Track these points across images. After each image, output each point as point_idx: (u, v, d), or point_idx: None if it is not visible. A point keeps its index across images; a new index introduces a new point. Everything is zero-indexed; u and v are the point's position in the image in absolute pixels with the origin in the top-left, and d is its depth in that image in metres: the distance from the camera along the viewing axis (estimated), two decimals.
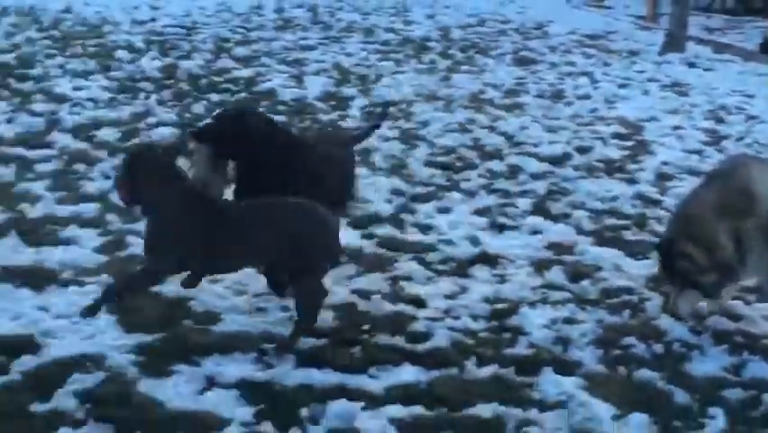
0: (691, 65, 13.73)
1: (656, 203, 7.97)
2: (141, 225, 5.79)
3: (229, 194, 5.81)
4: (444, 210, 7.62)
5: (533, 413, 4.75)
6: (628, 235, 7.26)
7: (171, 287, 5.78)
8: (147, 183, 5.07)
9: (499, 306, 5.97)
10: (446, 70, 12.46)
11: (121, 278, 5.26)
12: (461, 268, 6.53)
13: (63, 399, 4.66)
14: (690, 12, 15.14)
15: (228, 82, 11.29)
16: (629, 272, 6.53)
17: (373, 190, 7.93)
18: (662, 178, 8.64)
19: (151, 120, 9.60)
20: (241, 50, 12.88)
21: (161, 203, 5.09)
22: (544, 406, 4.83)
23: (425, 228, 7.23)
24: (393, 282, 6.24)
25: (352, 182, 6.35)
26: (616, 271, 6.58)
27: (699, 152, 9.48)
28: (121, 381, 4.87)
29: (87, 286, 5.86)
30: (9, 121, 9.29)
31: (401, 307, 5.89)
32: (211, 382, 4.91)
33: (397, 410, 4.72)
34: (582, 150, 9.32)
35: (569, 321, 5.79)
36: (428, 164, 8.71)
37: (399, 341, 5.46)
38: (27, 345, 5.13)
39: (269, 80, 11.42)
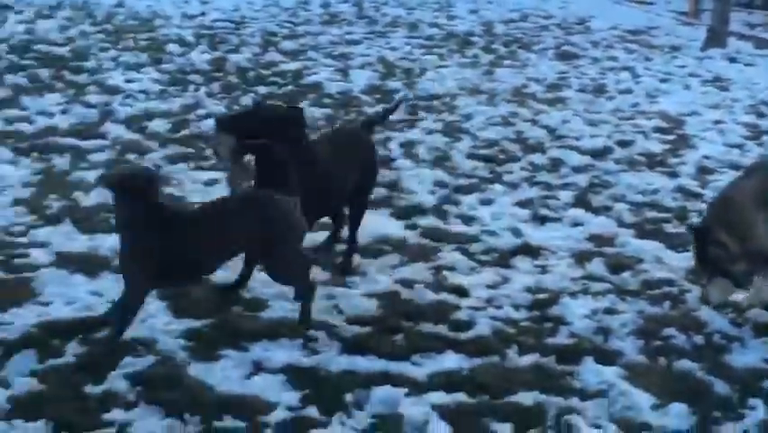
0: (733, 60, 13.57)
1: (697, 196, 7.90)
2: None
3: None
4: (487, 202, 7.61)
5: (573, 402, 4.74)
6: (669, 228, 7.21)
7: (219, 273, 5.82)
8: (119, 205, 5.05)
9: (541, 296, 5.96)
10: (489, 65, 12.41)
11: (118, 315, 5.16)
12: (504, 258, 6.52)
13: (115, 381, 4.71)
14: (731, 8, 14.96)
15: (275, 75, 11.32)
16: (670, 264, 6.49)
17: (417, 182, 7.92)
18: (702, 171, 8.56)
19: (201, 112, 9.65)
20: (288, 44, 12.91)
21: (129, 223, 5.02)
22: (584, 395, 4.82)
23: (468, 219, 7.22)
24: (436, 272, 6.24)
25: (370, 173, 6.29)
26: (656, 262, 6.53)
27: (739, 147, 9.38)
28: (171, 364, 4.92)
29: None
30: (64, 112, 9.38)
31: (444, 296, 5.89)
32: (258, 367, 4.95)
33: (439, 397, 4.74)
34: (624, 143, 9.25)
35: (609, 312, 5.77)
36: (471, 156, 8.69)
37: (442, 329, 5.47)
38: (81, 329, 5.18)
39: (316, 74, 11.44)
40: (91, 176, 7.54)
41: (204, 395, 4.67)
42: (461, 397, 4.76)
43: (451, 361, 5.11)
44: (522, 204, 7.58)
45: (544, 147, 9.04)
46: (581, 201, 7.68)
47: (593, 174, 8.34)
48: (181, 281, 5.35)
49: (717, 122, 10.22)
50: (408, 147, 8.83)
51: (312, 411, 4.57)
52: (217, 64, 11.69)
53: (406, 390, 4.77)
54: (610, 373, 5.01)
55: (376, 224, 6.95)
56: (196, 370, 4.89)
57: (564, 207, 7.54)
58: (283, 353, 5.10)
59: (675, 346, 5.36)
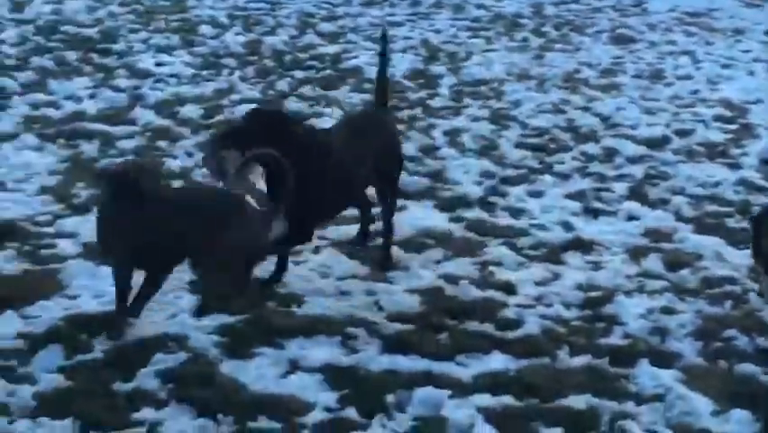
0: None
1: (761, 189, 7.83)
2: None
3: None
4: (536, 194, 7.59)
5: (628, 406, 4.73)
6: (731, 223, 7.15)
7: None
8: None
9: (593, 294, 5.94)
10: (539, 48, 12.34)
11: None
12: (554, 254, 6.51)
13: (145, 378, 4.77)
14: None
15: (313, 59, 11.33)
16: (731, 262, 6.44)
17: (462, 172, 7.92)
18: (767, 163, 8.48)
19: (235, 97, 9.69)
20: (326, 26, 12.92)
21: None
22: (640, 399, 4.81)
23: (516, 212, 7.21)
24: (482, 267, 6.24)
25: (392, 158, 6.21)
26: (717, 260, 6.48)
27: None
28: (203, 362, 4.97)
29: None
30: (92, 96, 9.46)
31: (490, 293, 5.89)
32: (294, 366, 4.98)
33: (485, 399, 4.75)
34: (682, 133, 9.18)
35: (667, 311, 5.74)
36: (519, 146, 8.67)
37: (488, 328, 5.48)
38: (110, 323, 5.23)
39: (355, 57, 11.43)
40: None
41: (237, 394, 4.70)
42: (508, 400, 4.76)
43: (497, 361, 5.11)
44: (573, 196, 7.55)
45: (597, 136, 8.99)
46: (637, 194, 7.63)
47: (650, 165, 8.28)
48: (151, 266, 5.29)
49: None
50: (453, 135, 8.82)
51: (351, 413, 4.59)
52: (252, 47, 11.72)
53: (449, 391, 4.78)
54: (667, 376, 4.99)
55: (418, 216, 6.98)
56: (229, 368, 4.93)
57: (619, 200, 7.50)
58: (320, 351, 5.13)
59: (737, 349, 5.33)
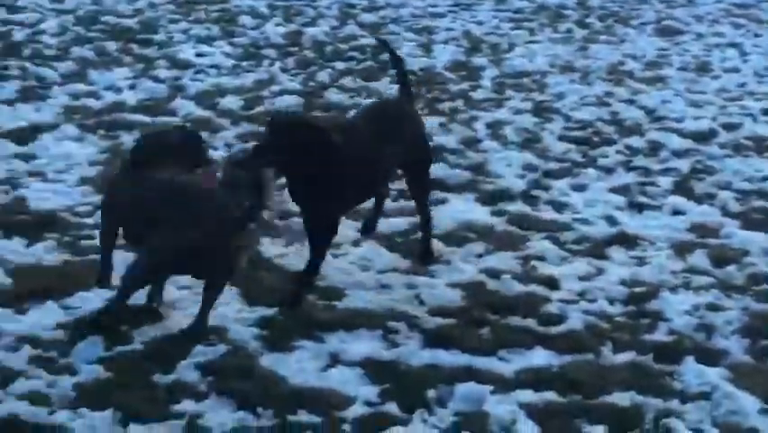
0: None
1: None
2: None
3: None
4: (580, 187, 7.55)
5: (673, 404, 4.70)
6: None
7: (294, 260, 5.87)
8: None
9: (638, 289, 5.90)
10: (583, 40, 12.29)
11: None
12: (597, 248, 6.47)
13: (185, 371, 4.79)
14: None
15: (354, 50, 11.34)
16: None
17: (504, 165, 7.90)
18: None
19: (275, 88, 9.71)
20: (367, 17, 12.92)
21: None
22: (685, 397, 4.77)
23: (559, 206, 7.18)
24: (525, 262, 6.22)
25: (417, 148, 6.08)
26: (764, 255, 6.42)
27: None
28: (243, 354, 4.99)
29: None
30: (132, 87, 9.52)
31: (533, 287, 5.87)
32: (335, 360, 4.99)
33: (527, 395, 4.73)
34: (729, 126, 9.09)
35: (713, 308, 5.69)
36: (563, 139, 8.63)
37: (531, 323, 5.46)
38: (150, 315, 5.26)
39: (397, 48, 11.39)
40: None
41: (277, 387, 4.71)
42: (550, 396, 4.74)
43: (540, 357, 5.10)
44: (618, 190, 7.51)
45: (641, 129, 8.94)
46: (682, 188, 7.58)
47: (696, 159, 8.22)
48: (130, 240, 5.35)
49: None
50: (495, 128, 8.80)
51: (392, 407, 4.59)
52: (292, 38, 11.75)
53: (491, 387, 4.77)
54: (713, 373, 4.95)
55: (460, 209, 6.98)
56: (268, 361, 4.95)
57: (664, 195, 7.45)
58: (361, 345, 5.13)
59: None
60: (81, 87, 9.42)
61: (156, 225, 4.96)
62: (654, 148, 8.47)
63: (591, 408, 4.66)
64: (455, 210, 6.93)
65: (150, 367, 4.80)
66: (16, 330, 5.08)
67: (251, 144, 5.74)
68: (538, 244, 6.49)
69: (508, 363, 5.04)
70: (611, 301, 5.74)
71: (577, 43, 12.12)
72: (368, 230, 6.38)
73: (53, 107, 8.81)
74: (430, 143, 6.43)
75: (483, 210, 7.02)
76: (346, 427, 4.45)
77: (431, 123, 8.76)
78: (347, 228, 6.45)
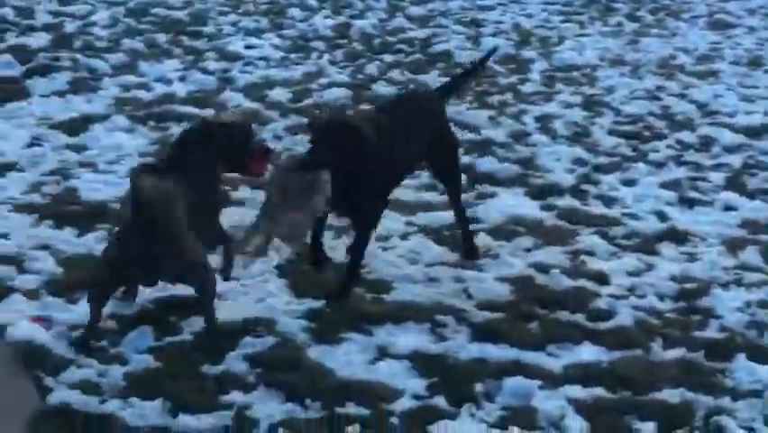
0: None
1: None
2: None
3: None
4: (630, 182, 7.51)
5: (724, 401, 4.67)
6: None
7: (342, 252, 5.88)
8: None
9: (688, 285, 5.86)
10: (634, 33, 12.21)
11: None
12: (647, 244, 6.44)
13: (234, 362, 4.83)
14: None
15: (402, 43, 11.33)
16: None
17: (554, 159, 7.87)
18: None
19: (323, 80, 9.73)
20: (416, 10, 12.90)
21: None
22: (736, 394, 4.74)
23: (609, 201, 7.15)
24: (574, 257, 6.20)
25: (441, 142, 5.98)
26: None
27: None
28: (291, 346, 5.01)
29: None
30: (182, 79, 9.57)
31: (582, 282, 5.85)
32: (383, 352, 5.00)
33: (576, 391, 4.72)
34: None
35: (765, 305, 5.65)
36: (613, 133, 8.58)
37: (580, 318, 5.44)
38: (199, 305, 5.29)
39: (445, 42, 11.41)
40: None
41: (325, 379, 4.73)
42: (599, 392, 4.73)
43: (589, 353, 5.09)
44: (668, 185, 7.46)
45: (693, 124, 8.87)
46: (734, 184, 7.52)
47: (748, 154, 8.15)
48: None
49: None
50: (545, 121, 8.76)
51: (439, 401, 4.60)
52: (341, 30, 11.77)
53: (540, 382, 4.76)
54: (765, 371, 4.91)
55: (509, 203, 6.97)
56: (316, 353, 4.97)
57: (715, 190, 7.39)
58: (409, 338, 5.14)
59: None
60: (132, 78, 9.50)
61: None
62: (706, 143, 8.40)
63: (641, 404, 4.64)
64: (504, 204, 6.92)
65: (199, 358, 4.83)
66: (68, 319, 5.13)
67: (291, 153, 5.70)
68: (587, 238, 6.46)
69: (557, 359, 5.02)
70: (661, 297, 5.71)
71: (627, 37, 12.04)
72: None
73: (104, 99, 8.88)
74: (456, 141, 6.31)
75: (532, 204, 7.00)
76: (394, 420, 4.46)
77: (480, 116, 8.78)
78: (395, 221, 6.47)
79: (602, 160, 7.93)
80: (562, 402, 4.62)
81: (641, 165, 7.82)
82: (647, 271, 6.06)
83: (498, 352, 5.03)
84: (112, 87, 9.20)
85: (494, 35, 11.83)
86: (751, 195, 7.31)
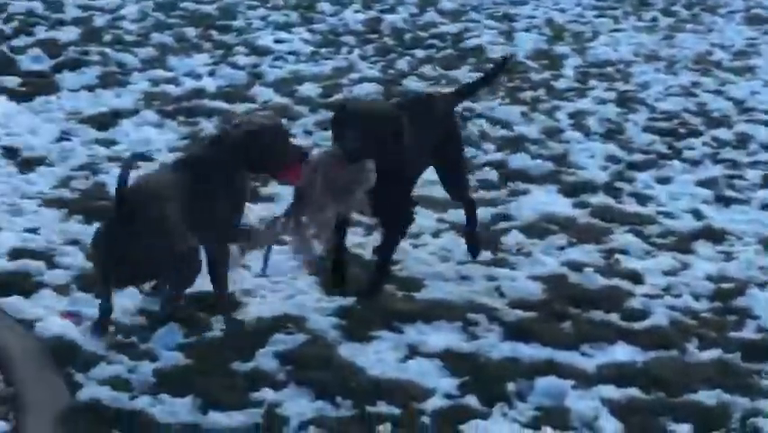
0: None
1: None
2: None
3: None
4: (665, 180, 7.48)
5: (761, 403, 4.65)
6: None
7: (365, 250, 5.90)
8: None
9: (725, 285, 5.84)
10: (669, 29, 12.15)
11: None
12: (683, 243, 6.42)
13: (264, 359, 4.84)
14: None
15: (434, 37, 11.32)
16: None
17: (587, 156, 7.86)
18: None
19: (354, 76, 9.74)
20: (448, 4, 12.87)
21: None
22: None
23: (644, 199, 7.13)
24: (608, 255, 6.19)
25: (449, 146, 5.90)
26: None
27: None
28: (322, 344, 5.03)
29: (287, 245, 6.03)
30: (211, 74, 9.61)
31: (616, 281, 5.84)
32: (414, 351, 5.01)
33: (610, 391, 4.71)
34: None
35: None
36: (647, 130, 8.55)
37: (614, 318, 5.43)
38: (228, 303, 5.32)
39: (477, 36, 11.39)
40: None
41: (355, 378, 4.74)
42: (633, 392, 4.72)
43: (623, 353, 5.08)
44: (704, 183, 7.44)
45: (729, 121, 8.83)
46: None
47: None
48: None
49: None
50: (578, 118, 8.74)
51: (471, 400, 4.60)
52: (372, 25, 11.77)
53: (573, 381, 4.76)
54: None
55: (542, 200, 6.97)
56: (347, 350, 4.98)
57: (752, 188, 7.37)
58: (440, 336, 5.14)
59: None
60: (161, 73, 9.53)
61: None
62: (743, 140, 8.36)
63: (676, 406, 4.63)
64: (537, 201, 6.91)
65: (229, 355, 4.85)
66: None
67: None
68: (621, 237, 6.45)
69: (590, 358, 5.02)
70: (697, 297, 5.69)
71: (662, 32, 11.99)
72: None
73: (133, 93, 8.93)
74: (462, 146, 6.17)
75: (565, 202, 6.99)
76: (425, 419, 4.46)
77: (512, 112, 8.76)
78: (426, 218, 6.48)
79: (637, 157, 7.91)
80: (596, 403, 4.61)
81: (676, 163, 7.79)
82: (683, 270, 6.04)
83: (531, 351, 5.03)
84: (141, 82, 9.25)
85: (527, 30, 11.80)
86: None
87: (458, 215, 6.59)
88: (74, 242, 6.00)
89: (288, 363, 4.81)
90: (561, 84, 9.77)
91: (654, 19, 12.62)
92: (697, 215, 6.86)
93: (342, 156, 5.15)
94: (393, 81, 9.64)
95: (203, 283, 5.43)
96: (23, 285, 5.44)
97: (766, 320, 5.43)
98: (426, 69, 10.08)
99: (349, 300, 5.44)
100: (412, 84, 9.54)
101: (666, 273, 5.98)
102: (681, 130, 8.57)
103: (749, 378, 4.87)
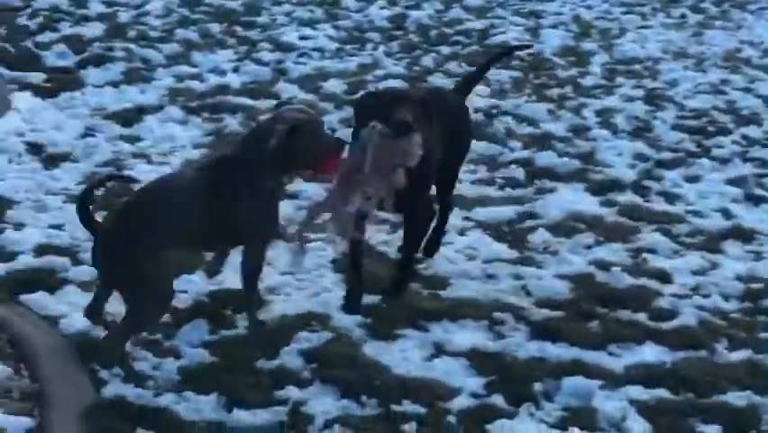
0: None
1: None
2: None
3: None
4: (693, 178, 7.45)
5: None
6: None
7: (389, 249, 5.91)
8: None
9: (754, 285, 5.81)
10: (698, 25, 12.10)
11: None
12: (712, 242, 6.39)
13: (289, 357, 4.85)
14: None
15: (459, 34, 11.31)
16: None
17: (615, 154, 7.83)
18: None
19: (379, 72, 9.75)
20: (473, 1, 12.87)
21: None
22: None
23: (672, 197, 7.10)
24: (635, 254, 6.17)
25: (459, 144, 5.85)
26: None
27: None
28: (346, 342, 5.03)
29: (312, 242, 6.05)
30: (235, 70, 9.64)
31: (644, 281, 5.82)
32: (439, 350, 5.00)
33: (638, 392, 4.70)
34: None
35: None
36: (676, 128, 8.52)
37: (642, 317, 5.41)
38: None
39: (503, 33, 11.38)
40: None
41: (380, 376, 4.74)
42: (662, 393, 4.70)
43: (651, 353, 5.06)
44: (733, 182, 7.40)
45: (759, 119, 8.79)
46: None
47: None
48: None
49: None
50: (605, 115, 8.72)
51: (498, 400, 4.59)
52: (397, 21, 11.77)
53: (600, 382, 4.74)
54: None
55: (568, 199, 6.95)
56: (372, 349, 4.98)
57: None
58: (466, 335, 5.14)
59: None
60: (185, 69, 9.57)
61: None
62: None
63: (705, 407, 4.61)
64: (564, 200, 6.90)
65: (253, 353, 4.86)
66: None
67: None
68: (649, 236, 6.42)
69: (618, 359, 5.00)
70: (726, 297, 5.66)
71: (691, 29, 11.94)
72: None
73: (158, 89, 8.97)
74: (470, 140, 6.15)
75: (592, 200, 6.97)
76: (451, 418, 4.46)
77: (539, 109, 8.75)
78: (452, 216, 6.46)
79: (665, 155, 7.88)
80: (624, 403, 4.60)
81: (705, 161, 7.76)
82: (711, 270, 6.01)
83: (558, 351, 5.02)
84: (165, 78, 9.29)
85: (553, 27, 11.78)
86: None
87: (484, 213, 6.61)
88: None
89: (312, 362, 4.82)
90: (588, 81, 9.74)
91: (683, 15, 12.57)
92: (726, 214, 6.83)
93: (388, 133, 5.02)
94: (418, 78, 9.63)
95: (228, 280, 5.47)
96: (48, 281, 5.47)
97: None
98: (452, 66, 10.07)
99: (374, 298, 5.43)
100: (438, 81, 9.53)
101: (695, 273, 5.96)
102: (710, 128, 8.53)
103: None
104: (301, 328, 5.09)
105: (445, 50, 10.68)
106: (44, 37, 10.31)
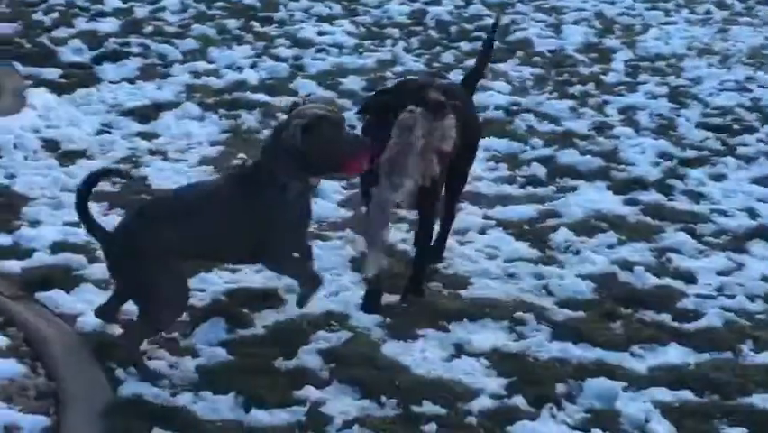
0: None
1: None
2: None
3: None
4: (718, 177, 7.43)
5: None
6: None
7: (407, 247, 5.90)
8: None
9: None
10: (722, 22, 12.07)
11: None
12: (737, 242, 6.37)
13: (307, 356, 4.85)
14: None
15: (479, 30, 11.28)
16: None
17: (638, 152, 7.81)
18: None
19: (398, 69, 9.75)
20: None
21: None
22: None
23: (696, 196, 7.08)
24: (659, 254, 6.15)
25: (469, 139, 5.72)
26: None
27: None
28: (365, 342, 5.03)
29: (331, 240, 6.06)
30: (253, 66, 9.65)
31: (668, 281, 5.80)
32: (460, 350, 5.00)
33: (662, 393, 4.69)
34: None
35: None
36: (700, 126, 8.49)
37: (666, 318, 5.40)
38: (271, 298, 5.34)
39: (525, 29, 11.37)
40: None
41: (400, 376, 4.73)
42: (686, 395, 4.69)
43: (675, 354, 5.05)
44: (759, 181, 7.39)
45: None
46: None
47: None
48: None
49: None
50: (628, 113, 8.70)
51: (519, 401, 4.59)
52: (416, 17, 11.78)
53: (624, 383, 4.74)
54: None
55: (591, 198, 6.94)
56: (392, 348, 4.97)
57: None
58: (487, 335, 5.13)
59: None
60: (202, 64, 9.59)
61: None
62: None
63: (730, 409, 4.59)
64: (586, 198, 6.88)
65: (271, 352, 4.86)
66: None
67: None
68: (673, 235, 6.41)
69: (642, 360, 4.99)
70: (752, 298, 5.64)
71: (716, 25, 11.91)
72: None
73: (174, 85, 8.99)
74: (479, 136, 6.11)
75: (615, 199, 6.96)
76: (472, 419, 4.45)
77: (561, 106, 8.73)
78: (473, 215, 6.48)
79: (689, 153, 7.86)
80: (648, 405, 4.58)
81: (730, 159, 7.73)
82: (737, 270, 6.00)
83: (580, 352, 5.01)
84: (182, 74, 9.31)
85: (575, 23, 11.76)
86: None
87: (505, 211, 6.60)
88: None
89: (331, 361, 4.82)
90: (610, 78, 9.72)
91: (708, 12, 12.54)
92: (751, 213, 6.81)
93: (428, 116, 5.00)
94: (438, 74, 9.61)
95: (245, 279, 5.48)
96: (64, 279, 5.48)
97: None
98: (472, 62, 9.99)
99: (393, 298, 5.43)
100: (457, 77, 9.50)
101: (720, 273, 5.94)
102: (735, 126, 8.51)
103: None
104: (320, 328, 5.08)
105: (465, 46, 10.68)
106: (60, 33, 10.34)
